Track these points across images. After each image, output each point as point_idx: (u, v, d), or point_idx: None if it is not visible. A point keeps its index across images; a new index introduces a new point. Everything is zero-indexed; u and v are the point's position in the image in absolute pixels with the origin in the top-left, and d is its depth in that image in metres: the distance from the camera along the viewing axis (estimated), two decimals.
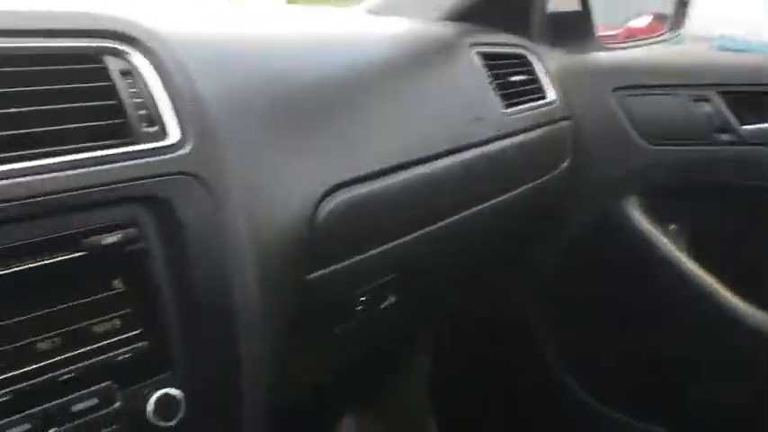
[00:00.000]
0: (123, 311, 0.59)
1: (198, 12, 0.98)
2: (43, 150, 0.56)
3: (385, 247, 0.90)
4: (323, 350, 0.95)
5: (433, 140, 1.00)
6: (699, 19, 1.63)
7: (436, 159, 0.99)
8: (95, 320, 0.57)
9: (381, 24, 1.21)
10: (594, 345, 1.48)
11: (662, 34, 1.63)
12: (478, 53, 1.19)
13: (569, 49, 1.47)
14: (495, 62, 1.20)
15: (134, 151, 0.61)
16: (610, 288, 1.44)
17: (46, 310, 0.54)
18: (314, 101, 0.86)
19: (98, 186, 0.57)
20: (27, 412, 0.53)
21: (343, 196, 0.83)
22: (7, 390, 0.52)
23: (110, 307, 0.58)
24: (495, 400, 1.58)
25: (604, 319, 1.47)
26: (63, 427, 0.54)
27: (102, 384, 0.57)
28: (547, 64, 1.37)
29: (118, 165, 0.59)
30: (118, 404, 0.57)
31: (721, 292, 1.34)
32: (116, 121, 0.62)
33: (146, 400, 0.59)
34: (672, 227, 1.40)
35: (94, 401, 0.56)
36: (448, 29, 1.25)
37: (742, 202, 1.35)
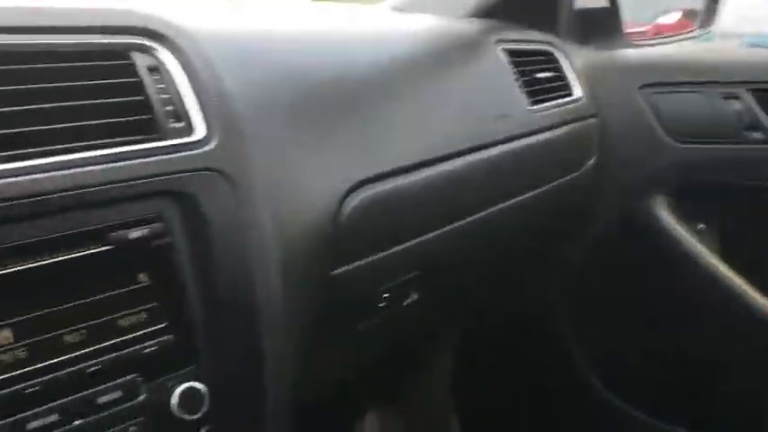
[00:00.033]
0: (149, 305, 0.59)
1: (222, 8, 0.98)
2: (72, 146, 0.57)
3: (409, 243, 0.90)
4: (346, 347, 0.95)
5: (457, 137, 1.00)
6: (729, 15, 1.60)
7: (461, 156, 0.99)
8: (121, 314, 0.58)
9: (406, 21, 1.21)
10: (620, 344, 1.47)
11: (691, 31, 1.61)
12: (504, 50, 1.18)
13: (597, 46, 1.45)
14: (521, 59, 1.20)
15: (161, 147, 0.62)
16: (636, 287, 1.43)
17: (73, 303, 0.55)
18: (338, 97, 0.86)
19: (125, 181, 0.58)
20: (54, 403, 0.53)
21: (366, 193, 0.83)
22: (35, 381, 0.53)
23: (136, 301, 0.59)
24: (517, 397, 1.58)
25: (630, 319, 1.45)
26: (89, 419, 0.55)
27: (128, 377, 0.57)
28: (574, 61, 1.36)
29: (145, 160, 0.60)
30: (142, 397, 0.58)
31: (750, 293, 1.32)
32: (143, 117, 0.62)
33: (170, 394, 0.59)
34: (700, 226, 1.38)
35: (119, 394, 0.57)
36: (473, 26, 1.25)
37: None
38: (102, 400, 0.56)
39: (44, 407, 0.53)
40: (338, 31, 1.01)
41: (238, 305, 0.65)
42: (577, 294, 1.49)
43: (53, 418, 0.53)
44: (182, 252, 0.61)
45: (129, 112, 0.62)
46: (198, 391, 0.61)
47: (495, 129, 1.08)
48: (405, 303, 0.94)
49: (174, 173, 0.61)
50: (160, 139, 0.62)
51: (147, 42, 0.66)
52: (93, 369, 0.56)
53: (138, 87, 0.63)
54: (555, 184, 1.22)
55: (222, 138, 0.66)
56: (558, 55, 1.33)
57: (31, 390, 0.52)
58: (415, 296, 0.95)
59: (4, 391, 0.51)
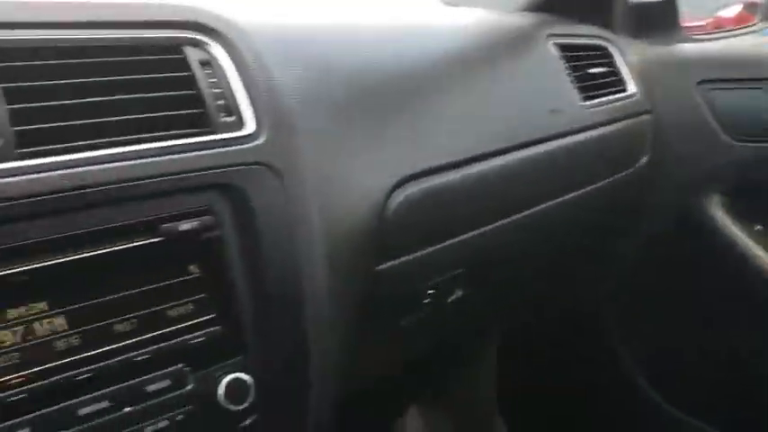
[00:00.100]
0: (198, 296, 0.60)
1: (272, 2, 0.99)
2: (125, 138, 0.58)
3: (457, 239, 0.90)
4: (390, 342, 0.95)
5: (508, 133, 0.99)
6: None
7: (512, 152, 0.98)
8: (171, 304, 0.59)
9: (457, 15, 1.20)
10: (669, 343, 1.44)
11: (752, 25, 1.56)
12: (556, 44, 1.17)
13: (653, 41, 1.42)
14: (573, 54, 1.18)
15: (212, 141, 0.62)
16: (689, 287, 1.40)
17: (125, 293, 0.56)
18: (388, 91, 0.86)
19: (176, 174, 0.59)
20: (104, 390, 0.55)
21: (414, 188, 0.83)
22: (87, 368, 0.54)
23: (185, 292, 0.60)
24: (561, 395, 1.56)
25: (681, 318, 1.42)
26: (138, 407, 0.56)
27: (176, 367, 0.58)
28: (628, 56, 1.33)
29: (196, 154, 0.61)
30: (190, 386, 0.59)
31: None
32: (195, 110, 0.63)
33: (217, 384, 0.60)
34: (757, 227, 1.34)
35: (168, 383, 0.58)
36: (525, 19, 1.23)
37: None
38: (151, 388, 0.57)
39: (95, 394, 0.54)
40: (389, 24, 1.00)
41: (285, 299, 0.65)
42: (629, 291, 1.46)
43: (103, 404, 0.54)
44: (231, 245, 0.62)
45: (182, 105, 0.63)
46: (244, 382, 0.61)
47: (547, 124, 1.06)
48: (449, 300, 0.94)
49: (223, 167, 0.62)
50: (211, 133, 0.63)
51: (199, 37, 0.67)
52: (142, 358, 0.57)
53: (191, 81, 0.64)
54: (608, 180, 1.19)
55: (272, 132, 0.66)
56: (611, 50, 1.30)
57: (82, 377, 0.54)
58: (459, 293, 0.94)
59: (58, 377, 0.53)
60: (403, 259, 0.83)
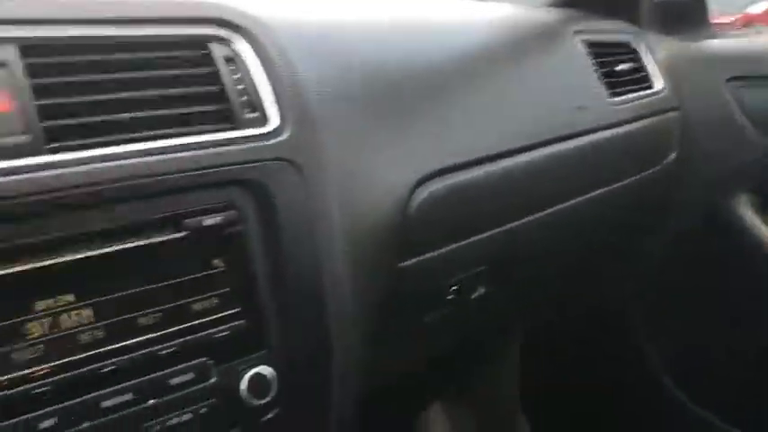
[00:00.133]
0: (221, 291, 0.61)
1: None
2: (149, 134, 0.58)
3: (480, 236, 0.89)
4: (412, 338, 0.95)
5: (533, 129, 0.98)
6: None
7: (537, 148, 0.97)
8: (195, 298, 0.59)
9: (483, 10, 1.19)
10: (695, 342, 1.42)
11: None
12: (583, 41, 1.16)
13: (682, 37, 1.41)
14: (600, 50, 1.17)
15: (235, 137, 0.63)
16: (716, 285, 1.38)
17: (148, 287, 0.57)
18: (413, 87, 0.86)
19: (200, 169, 0.59)
20: (129, 383, 0.55)
21: (438, 184, 0.82)
22: (111, 360, 0.55)
23: (209, 286, 0.60)
24: (586, 393, 1.55)
25: (708, 317, 1.41)
26: (162, 399, 0.57)
27: (199, 360, 0.59)
28: (656, 52, 1.31)
29: (220, 150, 0.61)
30: (213, 380, 0.59)
31: None
32: (219, 106, 0.64)
33: (239, 378, 0.61)
34: None
35: (191, 376, 0.58)
36: (551, 15, 1.22)
37: None
38: (175, 381, 0.57)
39: (119, 386, 0.55)
40: (414, 19, 1.00)
41: (307, 294, 0.66)
42: (656, 289, 1.45)
43: (127, 397, 0.55)
44: (254, 240, 0.63)
45: (206, 101, 0.63)
46: (266, 376, 0.62)
47: (573, 121, 1.06)
48: (472, 297, 0.93)
49: (247, 162, 0.62)
50: (235, 129, 0.63)
51: (223, 33, 0.67)
52: (166, 351, 0.57)
53: (215, 77, 0.64)
54: (635, 177, 1.18)
55: (295, 128, 0.67)
56: (638, 46, 1.29)
57: (107, 369, 0.54)
58: (482, 290, 0.94)
59: (83, 369, 0.53)
60: (426, 256, 0.83)
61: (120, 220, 0.55)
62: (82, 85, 0.57)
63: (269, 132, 0.65)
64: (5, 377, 0.50)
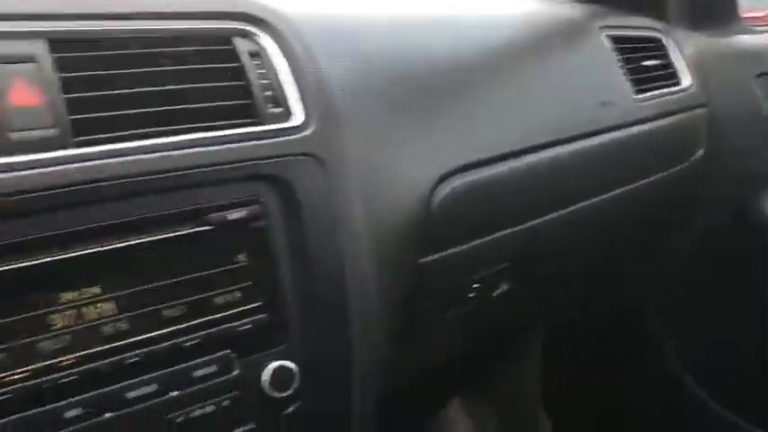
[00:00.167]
0: (244, 284, 0.61)
1: None
2: (175, 128, 0.59)
3: (503, 233, 0.89)
4: (435, 336, 0.95)
5: (558, 125, 0.98)
6: None
7: (563, 144, 0.96)
8: (218, 292, 0.60)
9: (508, 5, 1.18)
10: (720, 341, 1.40)
11: None
12: (609, 36, 1.14)
13: (711, 32, 1.39)
14: (626, 46, 1.16)
15: (259, 132, 0.63)
16: (744, 282, 1.36)
17: (173, 280, 0.57)
18: (436, 82, 0.86)
19: (225, 164, 0.60)
20: (154, 374, 0.56)
21: (462, 180, 0.82)
22: (135, 352, 0.55)
23: (232, 280, 0.60)
24: (607, 391, 1.54)
25: (734, 315, 1.39)
26: (185, 391, 0.57)
27: (222, 353, 0.59)
28: (683, 48, 1.30)
29: (244, 144, 0.62)
30: (236, 372, 0.60)
31: None
32: (244, 101, 0.64)
33: (262, 370, 0.61)
34: None
35: (214, 368, 0.59)
36: (577, 10, 1.21)
37: None
38: (198, 373, 0.58)
39: (143, 377, 0.55)
40: (438, 15, 1.00)
41: (329, 289, 0.66)
42: (683, 286, 1.43)
43: (151, 388, 0.55)
44: (277, 234, 0.63)
45: (230, 96, 0.63)
46: (288, 369, 0.62)
47: (599, 117, 1.05)
48: (494, 294, 0.93)
49: (272, 157, 0.63)
50: (259, 124, 0.64)
51: (248, 28, 0.67)
52: (190, 343, 0.58)
53: (240, 72, 0.65)
54: (662, 174, 1.17)
55: (319, 124, 0.67)
56: (666, 42, 1.27)
57: (131, 360, 0.55)
58: (505, 287, 0.94)
59: (107, 360, 0.54)
60: (449, 252, 0.83)
61: (146, 213, 0.56)
62: (109, 78, 0.57)
63: (293, 128, 0.65)
64: (31, 367, 0.51)
